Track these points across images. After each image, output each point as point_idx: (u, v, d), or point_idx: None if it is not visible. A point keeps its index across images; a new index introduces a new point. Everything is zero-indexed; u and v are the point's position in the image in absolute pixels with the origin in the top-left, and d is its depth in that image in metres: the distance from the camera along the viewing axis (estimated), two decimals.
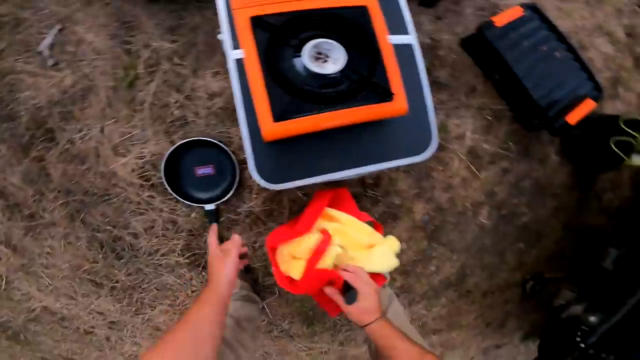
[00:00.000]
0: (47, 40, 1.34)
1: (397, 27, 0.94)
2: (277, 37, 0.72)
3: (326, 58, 0.75)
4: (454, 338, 1.81)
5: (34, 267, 1.37)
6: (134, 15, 1.31)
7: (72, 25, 1.31)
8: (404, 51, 0.94)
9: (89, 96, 1.29)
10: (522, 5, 1.55)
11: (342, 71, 0.73)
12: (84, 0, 1.31)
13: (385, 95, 0.75)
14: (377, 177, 1.46)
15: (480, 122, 1.54)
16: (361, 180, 1.46)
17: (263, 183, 0.83)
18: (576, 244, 1.81)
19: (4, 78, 1.33)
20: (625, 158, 1.44)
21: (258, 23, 0.72)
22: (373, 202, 1.48)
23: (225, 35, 0.80)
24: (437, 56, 1.49)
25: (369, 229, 1.03)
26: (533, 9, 1.57)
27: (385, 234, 1.40)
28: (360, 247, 1.00)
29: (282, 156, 0.84)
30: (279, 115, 0.70)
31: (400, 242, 1.50)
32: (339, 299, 0.87)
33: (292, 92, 0.71)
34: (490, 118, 1.55)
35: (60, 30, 1.35)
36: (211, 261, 0.81)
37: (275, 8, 0.73)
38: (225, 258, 0.78)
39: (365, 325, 0.83)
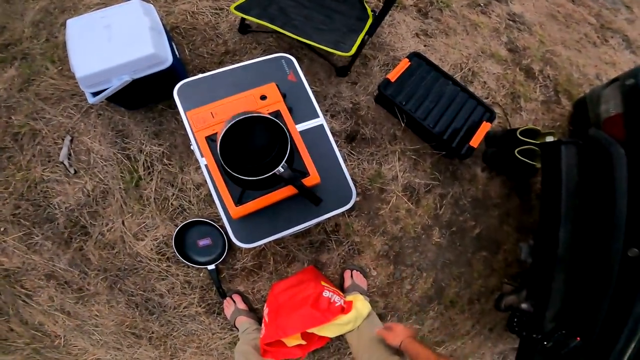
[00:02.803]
0: (64, 151, 1.67)
1: (311, 113, 1.29)
2: None
3: None
4: (462, 347, 1.92)
5: (87, 327, 1.67)
6: (124, 123, 1.64)
7: (78, 135, 1.63)
8: (318, 130, 1.28)
9: (108, 197, 1.68)
10: (408, 56, 1.78)
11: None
12: (82, 112, 1.61)
13: (303, 175, 1.15)
14: (335, 224, 1.79)
15: (407, 163, 1.84)
16: (323, 230, 1.79)
17: (241, 244, 1.20)
18: None
19: (37, 187, 1.68)
20: (534, 164, 1.63)
21: (211, 140, 1.10)
22: (337, 243, 1.80)
23: (194, 147, 1.18)
24: (360, 116, 1.82)
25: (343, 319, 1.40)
26: (417, 55, 1.80)
27: (354, 266, 1.78)
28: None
29: (249, 224, 1.20)
30: (237, 201, 1.11)
31: (370, 269, 1.86)
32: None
33: (243, 185, 1.11)
34: (414, 157, 1.84)
35: (71, 140, 1.65)
36: None
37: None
38: None
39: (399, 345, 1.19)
